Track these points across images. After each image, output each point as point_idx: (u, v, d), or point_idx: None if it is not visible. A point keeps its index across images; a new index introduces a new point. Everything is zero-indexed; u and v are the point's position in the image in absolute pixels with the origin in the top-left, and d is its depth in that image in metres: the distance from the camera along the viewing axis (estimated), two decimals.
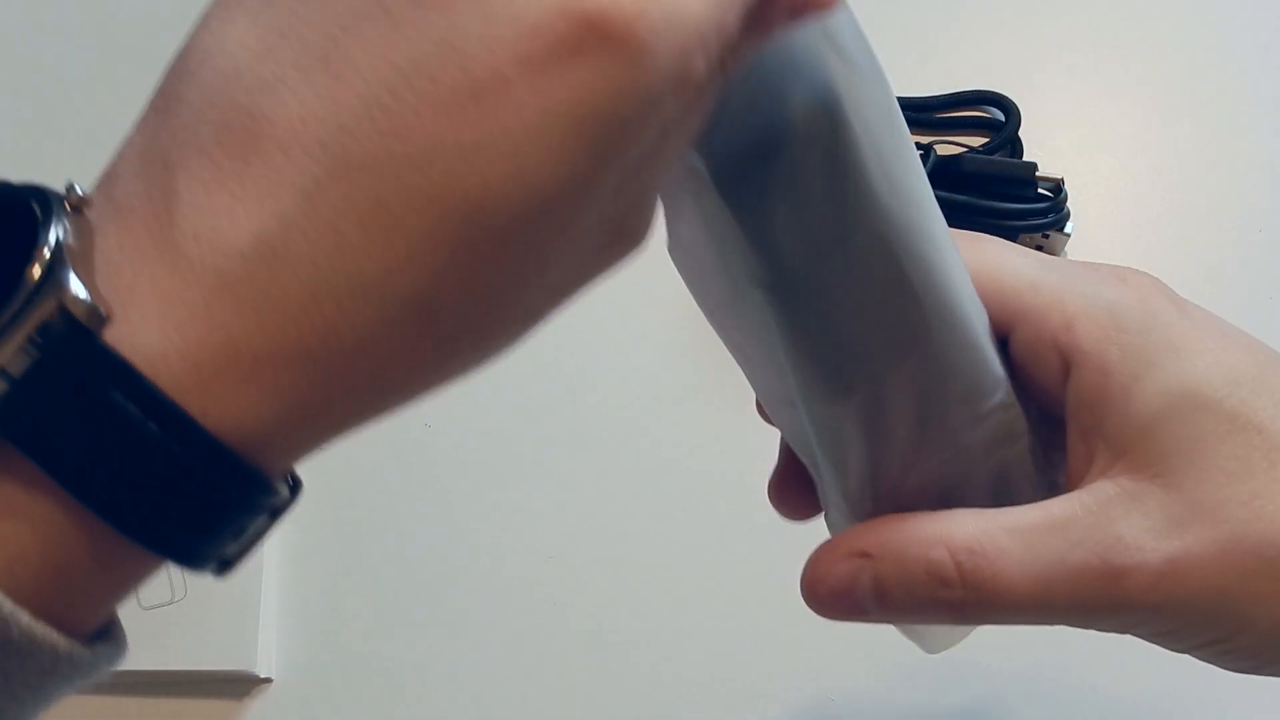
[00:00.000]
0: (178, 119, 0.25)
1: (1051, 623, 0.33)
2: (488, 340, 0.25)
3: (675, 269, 0.36)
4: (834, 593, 0.35)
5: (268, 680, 0.52)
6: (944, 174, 0.55)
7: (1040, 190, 0.56)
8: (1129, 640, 0.34)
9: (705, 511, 0.55)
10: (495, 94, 0.21)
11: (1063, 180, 0.56)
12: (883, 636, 0.53)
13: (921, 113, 0.59)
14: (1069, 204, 0.55)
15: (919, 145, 0.56)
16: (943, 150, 0.56)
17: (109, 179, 0.25)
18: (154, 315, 0.21)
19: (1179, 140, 0.60)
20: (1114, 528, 0.32)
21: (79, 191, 0.24)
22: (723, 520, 0.55)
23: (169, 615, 0.51)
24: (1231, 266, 0.58)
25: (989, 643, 0.53)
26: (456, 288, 0.22)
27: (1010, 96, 0.59)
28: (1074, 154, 0.60)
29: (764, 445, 0.57)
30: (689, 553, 0.54)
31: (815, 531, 0.56)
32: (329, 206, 0.21)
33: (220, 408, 0.21)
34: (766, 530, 0.55)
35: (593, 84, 0.22)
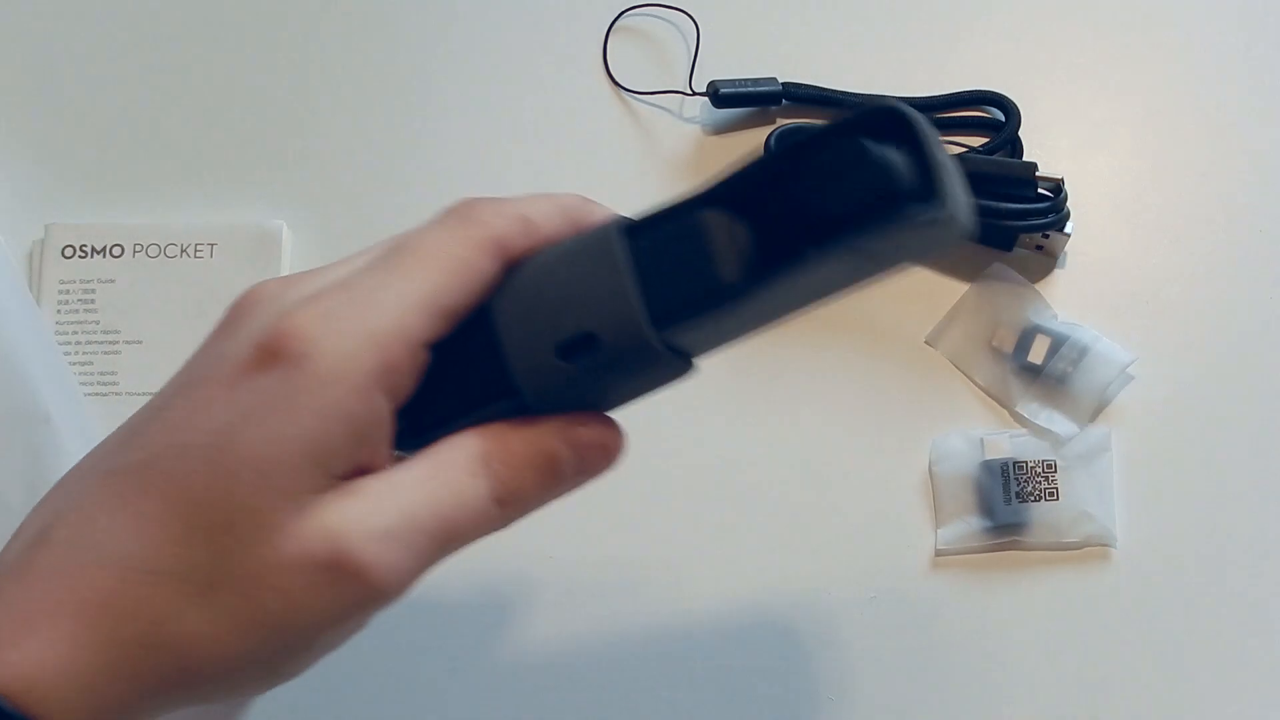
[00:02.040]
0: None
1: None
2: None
3: None
4: None
5: None
6: None
7: (1040, 190, 0.56)
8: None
9: (702, 512, 0.55)
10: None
11: (1063, 180, 0.56)
12: (882, 639, 0.54)
13: (921, 113, 0.59)
14: (1069, 204, 0.55)
15: None
16: None
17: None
18: None
19: (1179, 140, 0.60)
20: None
21: None
22: (720, 521, 0.55)
23: None
24: (1231, 266, 0.58)
25: (989, 642, 0.53)
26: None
27: (1010, 96, 0.59)
28: (1074, 154, 0.60)
29: (766, 445, 0.57)
30: (688, 551, 0.54)
31: (818, 532, 0.56)
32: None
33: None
34: (765, 529, 0.55)
35: (262, 393, 0.31)
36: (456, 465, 0.32)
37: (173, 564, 0.30)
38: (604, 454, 0.34)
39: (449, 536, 0.31)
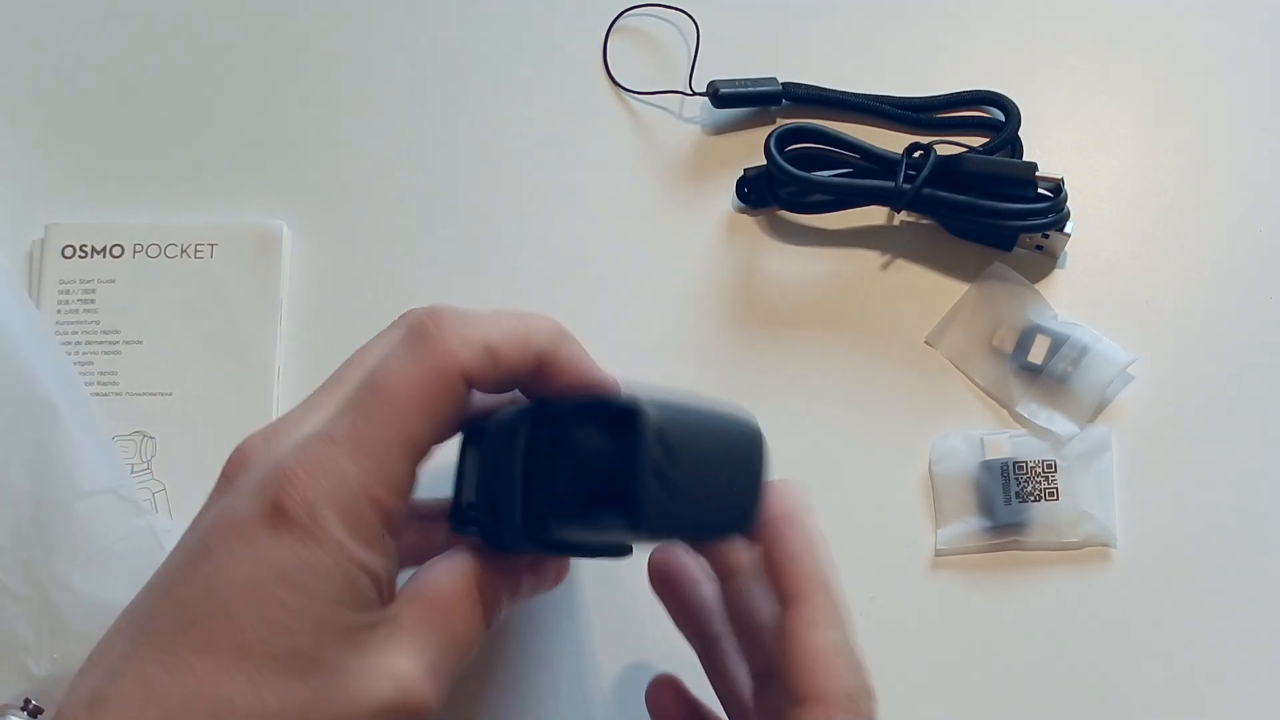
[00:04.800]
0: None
1: None
2: None
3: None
4: None
5: None
6: (944, 174, 0.55)
7: (1040, 190, 0.56)
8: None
9: None
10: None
11: (1063, 180, 0.56)
12: (882, 639, 0.54)
13: (921, 113, 0.60)
14: (1069, 204, 0.55)
15: (919, 145, 0.56)
16: (943, 150, 0.56)
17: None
18: None
19: (1179, 140, 0.60)
20: None
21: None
22: None
23: None
24: (1231, 266, 0.58)
25: (989, 642, 0.53)
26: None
27: (1010, 96, 0.59)
28: (1074, 154, 0.60)
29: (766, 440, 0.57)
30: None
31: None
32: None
33: None
34: None
35: (272, 550, 0.32)
36: (461, 596, 0.36)
37: (247, 711, 0.31)
38: (554, 581, 0.41)
39: (465, 657, 0.36)
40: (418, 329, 0.34)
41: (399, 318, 0.37)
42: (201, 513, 0.35)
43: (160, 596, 0.33)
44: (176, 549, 0.34)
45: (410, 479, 0.34)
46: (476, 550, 0.37)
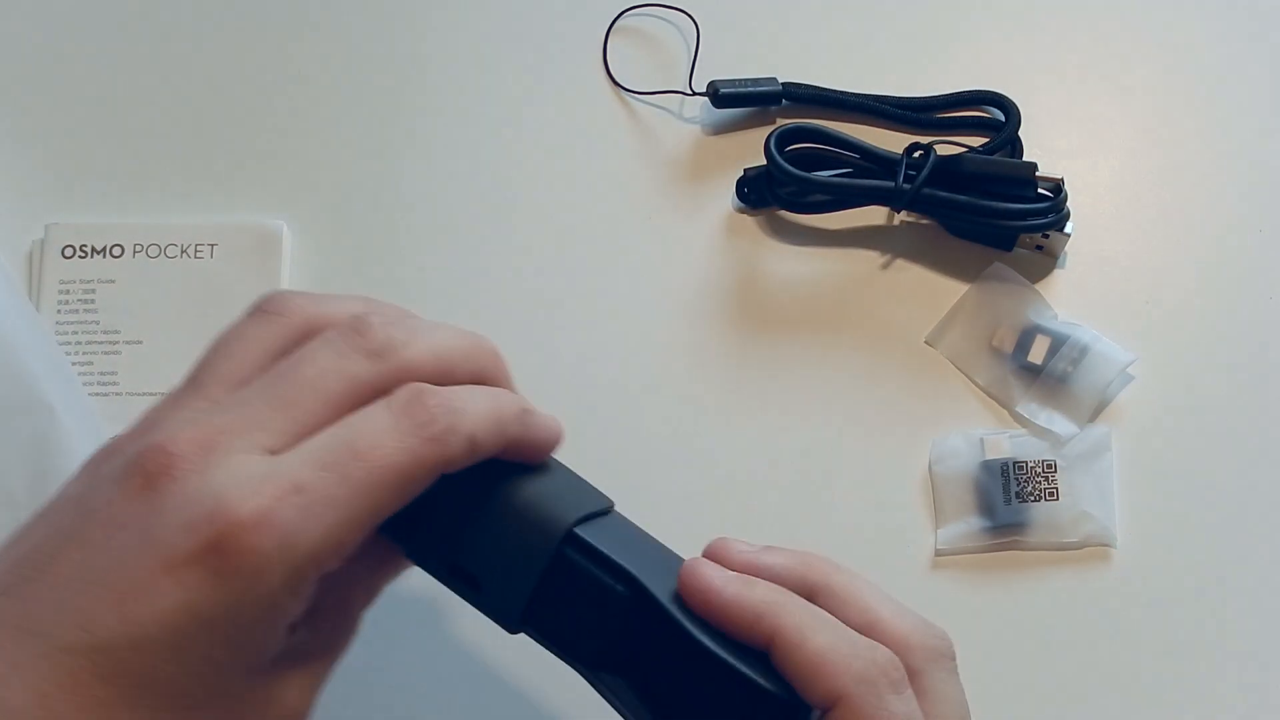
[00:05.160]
0: None
1: None
2: None
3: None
4: None
5: None
6: (944, 174, 0.55)
7: (1040, 190, 0.56)
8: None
9: (702, 511, 0.55)
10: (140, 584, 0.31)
11: (1063, 180, 0.56)
12: None
13: (921, 113, 0.60)
14: (1069, 204, 0.55)
15: (919, 145, 0.56)
16: (943, 150, 0.56)
17: None
18: None
19: (1179, 140, 0.60)
20: None
21: None
22: (720, 520, 0.55)
23: None
24: (1231, 266, 0.58)
25: (989, 642, 0.53)
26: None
27: (1010, 96, 0.59)
28: (1074, 154, 0.60)
29: (765, 444, 0.57)
30: (688, 550, 0.54)
31: (817, 532, 0.56)
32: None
33: None
34: (765, 529, 0.55)
35: (202, 595, 0.30)
36: (353, 623, 0.38)
37: None
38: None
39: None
40: (414, 405, 0.33)
41: (350, 333, 0.35)
42: (102, 498, 0.32)
43: (61, 608, 0.31)
44: (71, 537, 0.32)
45: (356, 545, 0.33)
46: (379, 561, 0.38)
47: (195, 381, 0.36)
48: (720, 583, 0.36)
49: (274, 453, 0.32)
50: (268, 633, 0.32)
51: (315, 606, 0.34)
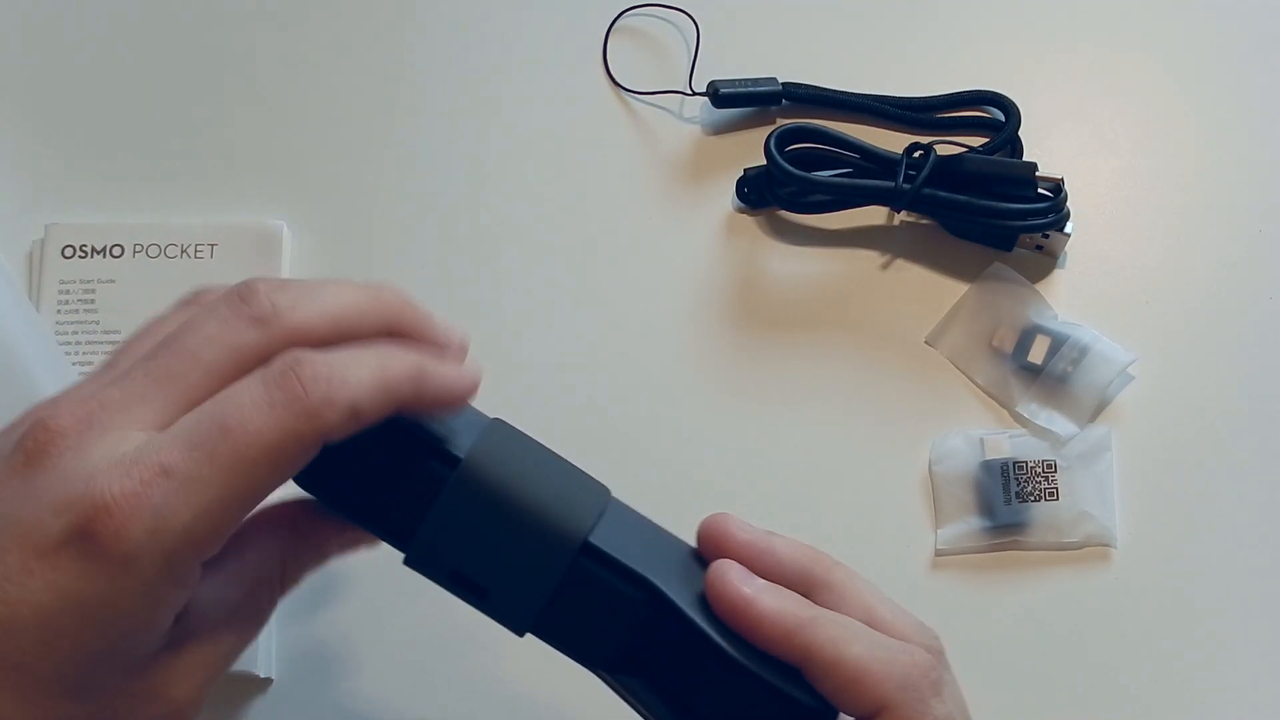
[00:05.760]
0: None
1: None
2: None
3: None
4: None
5: (268, 680, 0.52)
6: (944, 174, 0.55)
7: (1040, 190, 0.55)
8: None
9: (702, 512, 0.55)
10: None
11: (1063, 180, 0.56)
12: None
13: (921, 113, 0.60)
14: (1069, 204, 0.55)
15: (919, 145, 0.56)
16: (943, 150, 0.56)
17: None
18: None
19: (1179, 140, 0.60)
20: None
21: None
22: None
23: None
24: (1231, 266, 0.58)
25: (989, 642, 0.53)
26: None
27: (1010, 96, 0.59)
28: (1074, 154, 0.60)
29: (765, 444, 0.57)
30: None
31: (817, 532, 0.56)
32: None
33: None
34: (763, 525, 0.55)
35: (74, 580, 0.30)
36: (251, 615, 0.36)
37: None
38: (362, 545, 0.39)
39: (236, 659, 0.36)
40: (286, 377, 0.31)
41: (236, 301, 0.33)
42: None
43: None
44: None
45: (237, 525, 0.32)
46: (291, 528, 0.36)
47: (109, 361, 0.35)
48: (751, 593, 0.35)
49: (157, 428, 0.31)
50: (146, 621, 0.31)
51: (214, 596, 0.34)
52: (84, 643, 0.30)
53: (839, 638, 0.35)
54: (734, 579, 0.36)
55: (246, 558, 0.35)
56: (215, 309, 0.33)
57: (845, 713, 0.35)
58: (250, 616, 0.35)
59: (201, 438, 0.31)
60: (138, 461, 0.30)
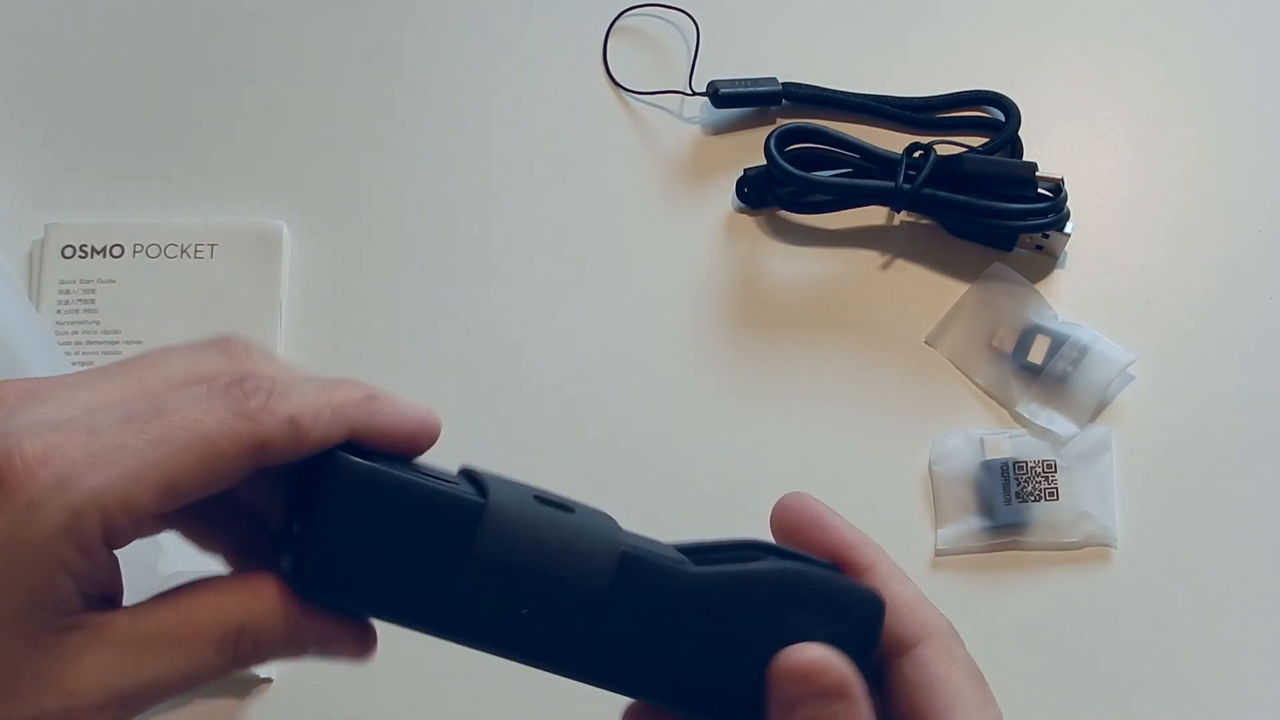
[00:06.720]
0: None
1: None
2: None
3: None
4: None
5: (268, 680, 0.52)
6: (944, 174, 0.55)
7: (1040, 190, 0.56)
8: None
9: (702, 512, 0.55)
10: None
11: (1063, 180, 0.56)
12: None
13: (921, 113, 0.60)
14: (1069, 204, 0.55)
15: (919, 145, 0.56)
16: (943, 150, 0.56)
17: None
18: None
19: (1179, 140, 0.60)
20: None
21: None
22: (720, 520, 0.55)
23: None
24: (1231, 266, 0.58)
25: (989, 642, 0.53)
26: None
27: (1010, 96, 0.59)
28: (1074, 154, 0.60)
29: (765, 444, 0.57)
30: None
31: None
32: None
33: None
34: (765, 529, 0.55)
35: None
36: (205, 638, 0.32)
37: None
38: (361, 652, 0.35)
39: (182, 692, 0.32)
40: (227, 385, 0.32)
41: (216, 339, 0.34)
42: None
43: None
44: None
45: (149, 516, 0.31)
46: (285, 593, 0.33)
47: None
48: (829, 509, 0.37)
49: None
50: (43, 580, 0.30)
51: (150, 612, 0.32)
52: None
53: (897, 570, 0.36)
54: (809, 497, 0.37)
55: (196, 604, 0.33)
56: (195, 345, 0.34)
57: (892, 632, 0.35)
58: (187, 661, 0.32)
59: (135, 413, 0.31)
60: (64, 424, 0.31)
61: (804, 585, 0.34)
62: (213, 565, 0.35)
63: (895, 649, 0.35)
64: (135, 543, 0.33)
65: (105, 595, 0.32)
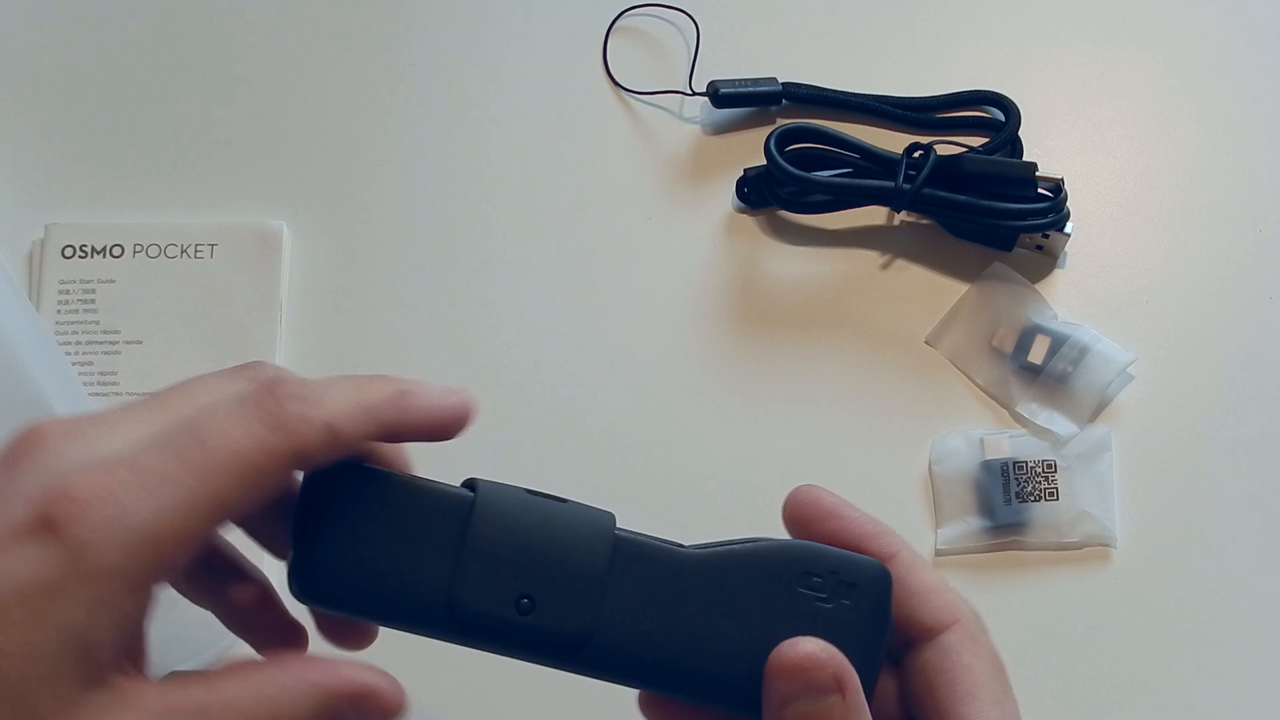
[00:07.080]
0: None
1: None
2: None
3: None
4: None
5: None
6: (944, 174, 0.55)
7: (1040, 190, 0.56)
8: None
9: (702, 512, 0.55)
10: None
11: (1063, 180, 0.56)
12: None
13: (921, 113, 0.60)
14: (1069, 204, 0.55)
15: (919, 145, 0.56)
16: (943, 150, 0.56)
17: None
18: None
19: (1179, 140, 0.60)
20: None
21: None
22: (720, 521, 0.55)
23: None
24: (1231, 266, 0.58)
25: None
26: None
27: (1010, 96, 0.59)
28: (1074, 154, 0.60)
29: (765, 444, 0.57)
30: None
31: None
32: None
33: None
34: (765, 529, 0.55)
35: (27, 565, 0.29)
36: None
37: None
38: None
39: None
40: (261, 393, 0.32)
41: (244, 365, 0.35)
42: None
43: None
44: None
45: (200, 541, 0.31)
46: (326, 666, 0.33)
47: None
48: (842, 499, 0.36)
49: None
50: (87, 625, 0.30)
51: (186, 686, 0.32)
52: (14, 636, 0.29)
53: (919, 557, 0.36)
54: (820, 489, 0.36)
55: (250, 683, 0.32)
56: (225, 371, 0.34)
57: (917, 619, 0.35)
58: None
59: (173, 441, 0.31)
60: (110, 460, 0.31)
61: (806, 561, 0.34)
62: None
63: (920, 635, 0.35)
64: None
65: (132, 654, 0.32)
